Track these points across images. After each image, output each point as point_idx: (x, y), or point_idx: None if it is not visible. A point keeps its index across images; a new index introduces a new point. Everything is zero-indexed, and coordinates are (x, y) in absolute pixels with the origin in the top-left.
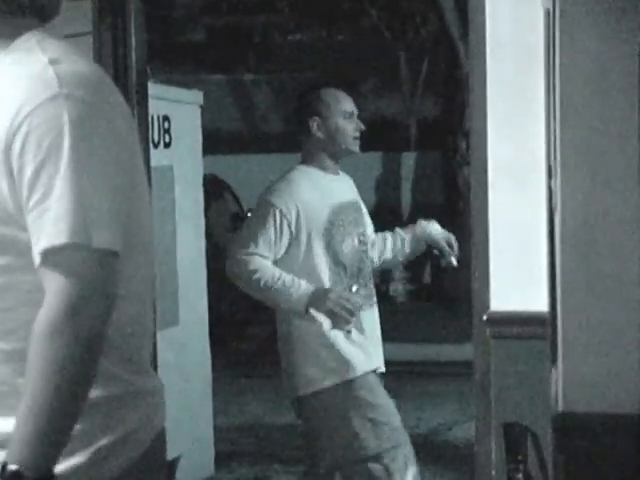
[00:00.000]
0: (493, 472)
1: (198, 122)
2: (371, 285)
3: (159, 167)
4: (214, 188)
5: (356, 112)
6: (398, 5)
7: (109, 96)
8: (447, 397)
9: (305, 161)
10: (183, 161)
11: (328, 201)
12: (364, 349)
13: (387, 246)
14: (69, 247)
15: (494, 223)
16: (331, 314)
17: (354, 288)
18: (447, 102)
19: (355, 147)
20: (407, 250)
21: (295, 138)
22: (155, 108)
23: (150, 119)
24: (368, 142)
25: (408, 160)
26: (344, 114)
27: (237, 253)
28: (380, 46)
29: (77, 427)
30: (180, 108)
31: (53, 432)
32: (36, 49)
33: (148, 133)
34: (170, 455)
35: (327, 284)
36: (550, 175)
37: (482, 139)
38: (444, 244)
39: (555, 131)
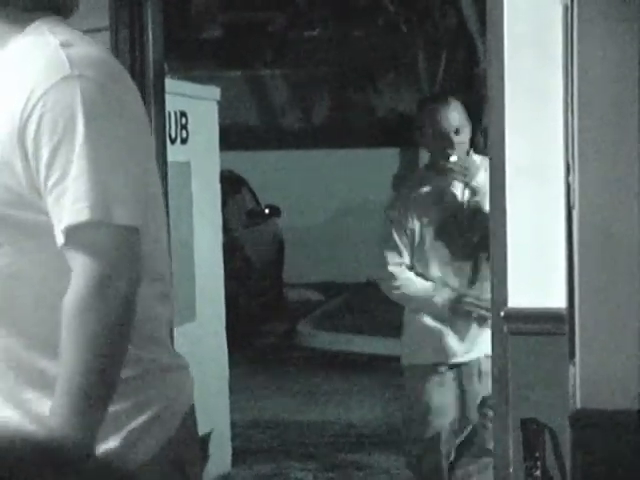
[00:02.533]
0: (510, 469)
1: (215, 118)
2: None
3: (176, 163)
4: (231, 184)
5: (454, 127)
6: (416, 0)
7: (120, 78)
8: None
9: (428, 163)
10: (200, 157)
11: (440, 205)
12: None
13: None
14: (91, 225)
15: (512, 220)
16: (470, 314)
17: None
18: (465, 98)
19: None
20: None
21: (312, 134)
22: (172, 104)
23: (167, 115)
24: (385, 138)
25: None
26: (438, 134)
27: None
28: (398, 42)
29: (109, 411)
30: (197, 104)
31: (91, 408)
32: (47, 33)
33: (165, 129)
34: (201, 431)
35: (443, 282)
36: (568, 172)
37: (500, 136)
38: None
39: (573, 128)
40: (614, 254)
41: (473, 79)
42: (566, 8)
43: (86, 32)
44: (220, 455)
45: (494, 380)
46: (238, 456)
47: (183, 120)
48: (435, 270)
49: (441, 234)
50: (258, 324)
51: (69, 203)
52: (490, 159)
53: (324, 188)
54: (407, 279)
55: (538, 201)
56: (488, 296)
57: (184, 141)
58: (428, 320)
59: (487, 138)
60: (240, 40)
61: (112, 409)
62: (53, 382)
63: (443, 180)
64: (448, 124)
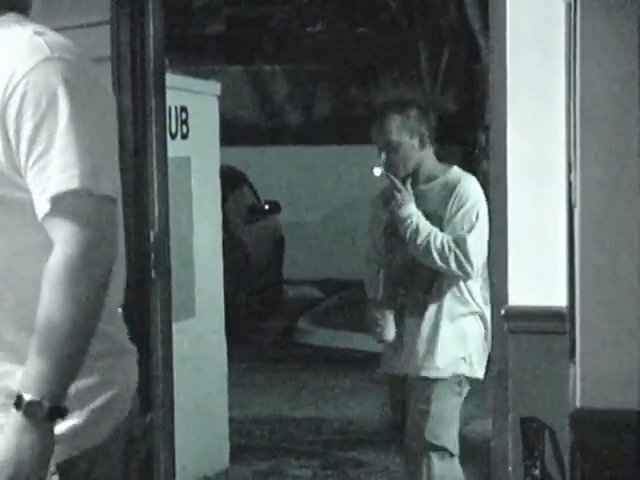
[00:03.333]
0: (510, 468)
1: (216, 113)
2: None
3: (176, 158)
4: (231, 180)
5: (383, 144)
6: None
7: (87, 60)
8: None
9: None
10: (200, 152)
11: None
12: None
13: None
14: (79, 193)
15: (513, 217)
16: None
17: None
18: (467, 95)
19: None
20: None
21: (312, 130)
22: (173, 99)
23: (168, 110)
24: None
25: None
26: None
27: None
28: (399, 38)
29: (73, 388)
30: (198, 99)
31: (68, 365)
32: (16, 26)
33: (165, 124)
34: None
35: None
36: (570, 170)
37: (501, 133)
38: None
39: (575, 125)
40: (615, 253)
41: (475, 76)
42: (569, 5)
43: (87, 26)
44: (218, 452)
45: (493, 378)
46: (236, 453)
47: (183, 115)
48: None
49: (386, 237)
50: (257, 321)
51: (57, 172)
52: (491, 156)
53: (325, 184)
54: None
55: (539, 199)
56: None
57: (184, 136)
58: None
59: (488, 136)
60: (241, 35)
61: (78, 385)
62: (25, 354)
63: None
64: (377, 139)
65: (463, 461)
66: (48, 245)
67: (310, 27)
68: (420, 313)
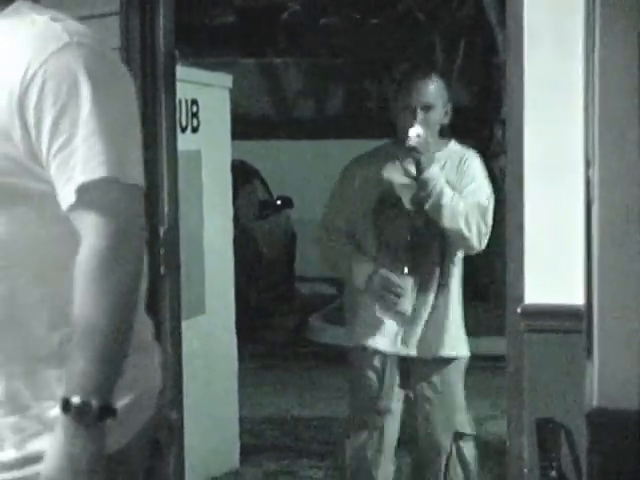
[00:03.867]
0: (525, 469)
1: (227, 106)
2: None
3: (187, 152)
4: (242, 174)
5: (422, 104)
6: None
7: (106, 45)
8: (479, 391)
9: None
10: (211, 146)
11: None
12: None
13: None
14: (106, 182)
15: (529, 214)
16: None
17: (405, 270)
18: (483, 89)
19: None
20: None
21: (326, 124)
22: (183, 92)
23: (178, 103)
24: None
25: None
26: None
27: None
28: (414, 31)
29: None
30: (209, 92)
31: (113, 362)
32: (31, 13)
33: (176, 117)
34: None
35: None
36: (588, 166)
37: (518, 128)
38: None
39: (594, 121)
40: (634, 250)
41: (491, 70)
42: None
43: (96, 17)
44: (228, 452)
45: (509, 378)
46: (247, 453)
47: (194, 108)
48: (370, 244)
49: (382, 209)
50: (269, 318)
51: (82, 161)
52: (508, 152)
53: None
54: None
55: (557, 195)
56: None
57: (195, 130)
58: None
59: (505, 131)
60: (253, 27)
61: None
62: (51, 352)
63: (402, 156)
64: (417, 99)
65: (478, 462)
66: (72, 237)
67: (323, 19)
68: (433, 290)
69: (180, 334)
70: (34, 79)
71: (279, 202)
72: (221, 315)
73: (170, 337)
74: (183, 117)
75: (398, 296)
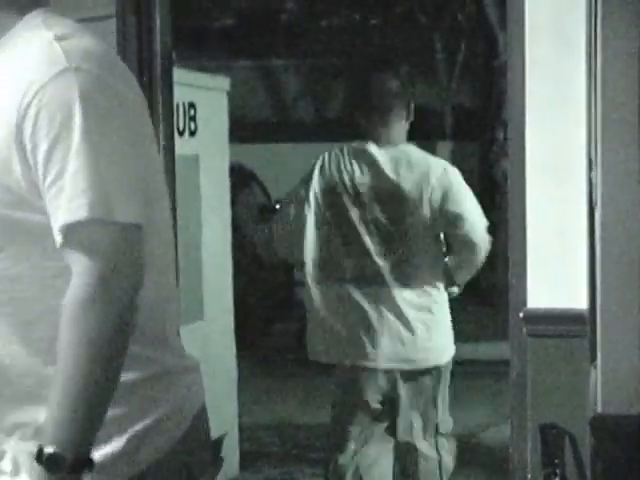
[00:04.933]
0: (529, 476)
1: (225, 109)
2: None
3: (184, 156)
4: (241, 178)
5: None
6: None
7: (116, 69)
8: (482, 397)
9: None
10: (209, 150)
11: None
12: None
13: None
14: (89, 222)
15: (532, 217)
16: None
17: None
18: (484, 91)
19: None
20: None
21: (325, 127)
22: (180, 95)
23: (175, 106)
24: None
25: (443, 150)
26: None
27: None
28: (415, 32)
29: (111, 413)
30: (206, 95)
31: (89, 412)
32: (41, 26)
33: (173, 121)
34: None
35: None
36: (591, 168)
37: (520, 129)
38: None
39: (597, 121)
40: (637, 253)
41: (492, 71)
42: None
43: (93, 20)
44: (228, 458)
45: (512, 383)
46: (247, 460)
47: (192, 111)
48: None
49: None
50: (268, 324)
51: (66, 201)
52: (510, 153)
53: None
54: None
55: (559, 198)
56: None
57: (192, 133)
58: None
59: (506, 132)
60: (251, 29)
61: (115, 411)
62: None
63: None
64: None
65: (480, 469)
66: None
67: (322, 21)
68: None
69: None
70: (30, 107)
71: (278, 206)
72: (220, 321)
73: None
74: (181, 121)
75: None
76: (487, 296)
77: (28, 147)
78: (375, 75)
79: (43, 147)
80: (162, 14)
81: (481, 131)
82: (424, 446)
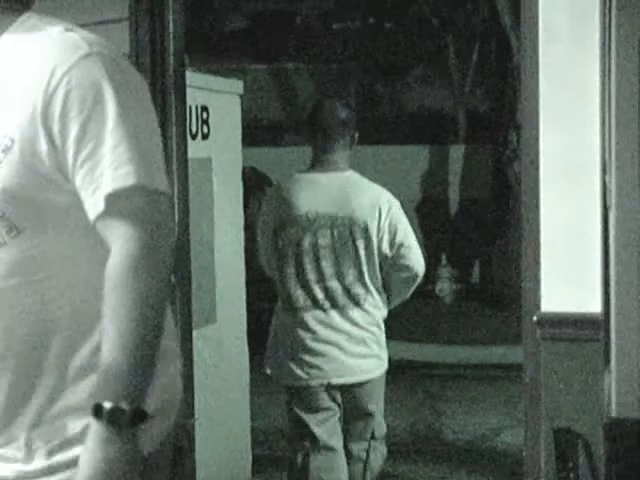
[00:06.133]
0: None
1: (238, 112)
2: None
3: (197, 159)
4: (254, 181)
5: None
6: None
7: (125, 59)
8: (495, 401)
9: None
10: (222, 153)
11: None
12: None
13: None
14: (135, 190)
15: (545, 220)
16: None
17: None
18: (498, 93)
19: None
20: None
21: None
22: (193, 98)
23: (188, 109)
24: (414, 134)
25: (456, 154)
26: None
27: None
28: (428, 35)
29: None
30: (219, 98)
31: (144, 366)
32: (40, 24)
33: (186, 124)
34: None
35: None
36: (605, 171)
37: (534, 133)
38: None
39: (610, 125)
40: None
41: (506, 74)
42: (604, 0)
43: (105, 23)
44: (240, 463)
45: (525, 387)
46: (259, 464)
47: (204, 115)
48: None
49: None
50: None
51: (110, 170)
52: (523, 156)
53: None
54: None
55: (573, 201)
56: None
57: (205, 137)
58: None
59: (520, 135)
60: (265, 32)
61: None
62: (82, 363)
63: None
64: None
65: (494, 473)
66: (99, 248)
67: (335, 23)
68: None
69: (191, 343)
70: (57, 90)
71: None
72: (232, 324)
73: (181, 346)
74: (193, 124)
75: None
76: (501, 300)
77: (56, 128)
78: (325, 103)
79: (75, 125)
80: (175, 17)
81: (494, 134)
82: (355, 448)
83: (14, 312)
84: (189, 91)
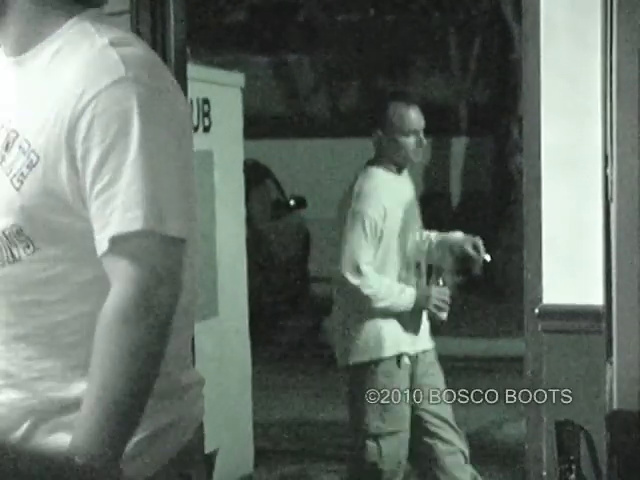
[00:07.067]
0: (544, 472)
1: (239, 105)
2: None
3: (198, 152)
4: (255, 174)
5: (420, 127)
6: None
7: (168, 79)
8: (497, 393)
9: (374, 162)
10: (223, 146)
11: (400, 200)
12: (406, 332)
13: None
14: (142, 234)
15: (547, 212)
16: (434, 309)
17: (441, 282)
18: (499, 86)
19: (415, 158)
20: (434, 253)
21: (340, 123)
22: (194, 91)
23: (189, 102)
24: None
25: (458, 146)
26: (405, 132)
27: (346, 272)
28: (429, 27)
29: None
30: (220, 91)
31: (122, 425)
32: (91, 31)
33: None
34: (207, 449)
35: (397, 279)
36: (606, 163)
37: (535, 125)
38: (470, 248)
39: (612, 117)
40: None
41: (507, 66)
42: None
43: (106, 15)
44: (242, 455)
45: (527, 380)
46: (261, 457)
47: (206, 107)
48: (393, 269)
49: (402, 233)
50: (282, 320)
51: (120, 210)
52: (525, 149)
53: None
54: (378, 278)
55: (574, 194)
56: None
57: (207, 129)
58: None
59: (521, 128)
60: (266, 24)
61: None
62: (71, 402)
63: (396, 180)
64: (418, 123)
65: (497, 466)
66: (108, 280)
67: (337, 16)
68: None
69: (193, 336)
70: (84, 112)
71: (292, 202)
72: (234, 317)
73: None
74: (195, 117)
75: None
76: (502, 293)
77: (79, 152)
78: (410, 101)
79: (96, 154)
80: (176, 9)
81: (496, 127)
82: None
83: (27, 328)
84: (190, 84)
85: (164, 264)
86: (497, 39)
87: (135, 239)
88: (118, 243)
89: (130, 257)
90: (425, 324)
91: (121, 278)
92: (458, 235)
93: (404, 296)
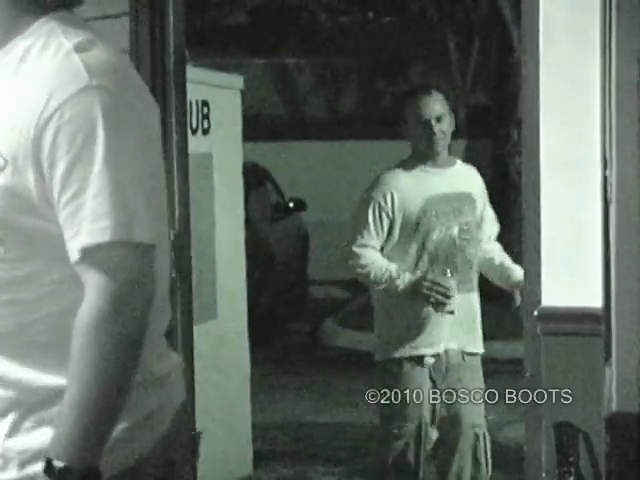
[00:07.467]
0: (543, 474)
1: (238, 107)
2: (469, 273)
3: (197, 154)
4: (254, 177)
5: (432, 116)
6: None
7: (133, 83)
8: (496, 395)
9: (411, 153)
10: (222, 148)
11: (423, 191)
12: (441, 330)
13: (490, 252)
14: (112, 245)
15: (546, 215)
16: (427, 299)
17: (448, 273)
18: (499, 89)
19: (434, 148)
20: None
21: (339, 125)
22: (193, 93)
23: (188, 104)
24: None
25: (457, 148)
26: (420, 122)
27: (351, 245)
28: (428, 29)
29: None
30: (220, 93)
31: (99, 426)
32: (58, 32)
33: (186, 119)
34: (207, 449)
35: (412, 267)
36: (605, 165)
37: (534, 127)
38: (518, 294)
39: (611, 119)
40: None
41: (507, 69)
42: None
43: (105, 18)
44: (241, 458)
45: (526, 382)
46: (260, 459)
47: (205, 110)
48: (410, 259)
49: (425, 225)
50: (281, 322)
51: (89, 221)
52: (524, 151)
53: (351, 181)
54: (374, 260)
55: (574, 195)
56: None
57: (206, 132)
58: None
59: (521, 130)
60: (265, 27)
61: None
62: (58, 389)
63: (425, 170)
64: (429, 112)
65: (496, 467)
66: (81, 283)
67: (336, 18)
68: (467, 288)
69: (191, 339)
70: (50, 122)
71: (291, 204)
72: (233, 319)
73: (181, 342)
74: (194, 119)
75: (448, 297)
76: (502, 295)
77: (45, 164)
78: (423, 89)
79: (62, 164)
80: (175, 12)
81: (495, 129)
82: None
83: (9, 327)
84: (190, 86)
85: (136, 271)
86: (496, 41)
87: (105, 250)
88: (89, 254)
89: (101, 267)
90: (455, 325)
91: (93, 288)
92: (519, 274)
93: (401, 281)
